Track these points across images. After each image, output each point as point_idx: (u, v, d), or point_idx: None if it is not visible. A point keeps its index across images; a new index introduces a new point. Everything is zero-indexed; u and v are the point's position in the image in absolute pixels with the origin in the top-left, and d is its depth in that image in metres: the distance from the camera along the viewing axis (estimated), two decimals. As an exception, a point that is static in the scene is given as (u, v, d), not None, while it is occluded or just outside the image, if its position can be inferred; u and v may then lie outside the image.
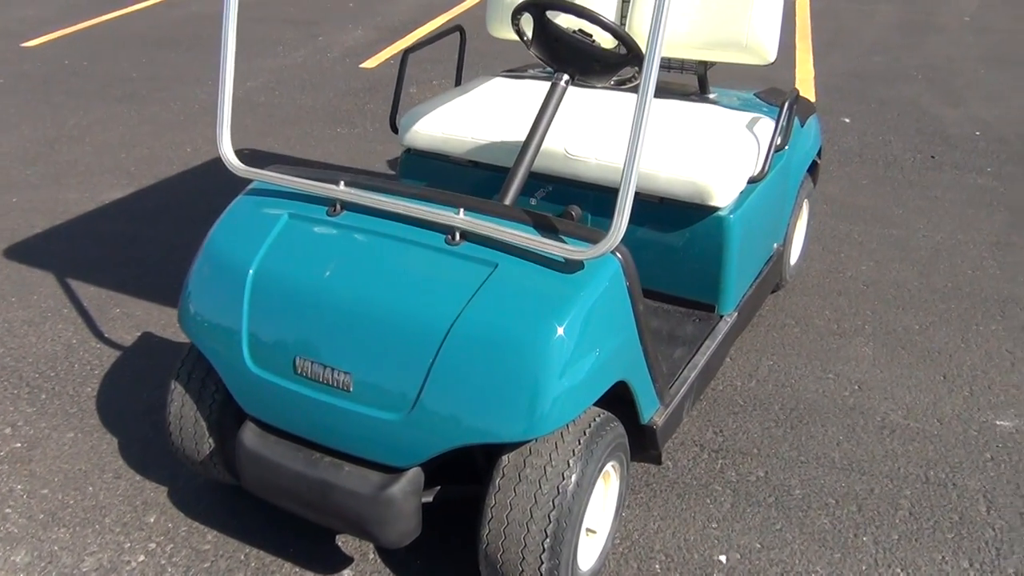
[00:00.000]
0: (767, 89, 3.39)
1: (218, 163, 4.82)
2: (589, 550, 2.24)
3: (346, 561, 2.37)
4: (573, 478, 1.98)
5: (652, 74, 1.81)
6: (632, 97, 3.14)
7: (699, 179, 2.61)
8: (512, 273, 2.01)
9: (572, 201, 2.87)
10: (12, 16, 7.80)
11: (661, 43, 1.80)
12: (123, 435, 2.84)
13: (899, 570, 2.32)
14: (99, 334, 3.37)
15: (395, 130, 3.10)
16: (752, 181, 2.79)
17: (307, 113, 5.59)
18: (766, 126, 2.90)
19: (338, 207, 2.23)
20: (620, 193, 1.89)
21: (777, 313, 3.44)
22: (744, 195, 2.78)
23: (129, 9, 8.07)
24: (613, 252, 2.06)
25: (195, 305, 2.28)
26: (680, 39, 3.07)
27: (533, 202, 2.93)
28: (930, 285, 3.64)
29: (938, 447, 2.75)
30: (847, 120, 5.42)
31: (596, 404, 2.14)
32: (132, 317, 3.46)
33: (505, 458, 2.02)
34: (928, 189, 4.52)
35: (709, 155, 2.68)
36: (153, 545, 2.43)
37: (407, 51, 3.13)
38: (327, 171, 2.33)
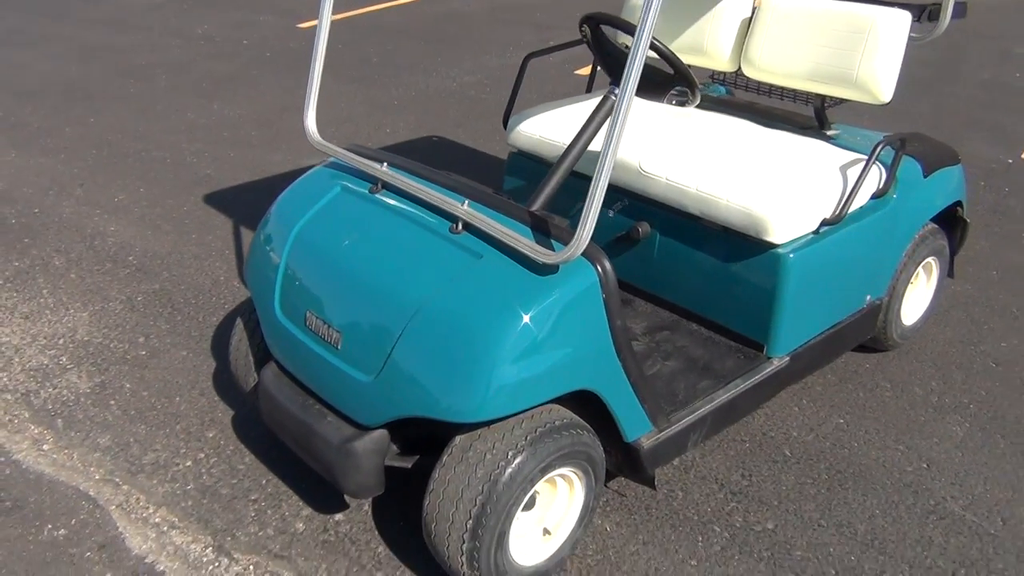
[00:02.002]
0: (905, 133, 3.15)
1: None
2: (540, 549, 2.29)
3: (343, 507, 2.59)
4: (508, 470, 2.05)
5: (633, 76, 1.84)
6: (723, 121, 3.08)
7: (757, 211, 2.53)
8: (492, 266, 2.12)
9: (644, 217, 2.88)
10: (300, 0, 8.86)
11: (644, 44, 1.82)
12: (222, 362, 3.25)
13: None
14: (243, 277, 3.85)
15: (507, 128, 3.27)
16: (827, 223, 2.65)
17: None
18: (859, 169, 2.73)
19: (379, 185, 2.45)
20: (587, 202, 1.93)
21: (875, 374, 3.19)
22: (816, 237, 2.64)
23: (396, 2, 8.86)
24: (594, 265, 2.10)
25: (252, 256, 2.60)
26: (793, 69, 2.96)
27: (611, 214, 2.97)
28: (1078, 378, 3.20)
29: (985, 547, 2.46)
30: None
31: (587, 418, 2.20)
32: (277, 266, 3.92)
33: (458, 438, 2.14)
34: None
35: (778, 188, 2.59)
36: (202, 455, 2.80)
37: (529, 56, 3.29)
38: (388, 154, 2.55)
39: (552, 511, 2.31)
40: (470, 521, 2.05)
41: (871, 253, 2.87)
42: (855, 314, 2.92)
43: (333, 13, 2.70)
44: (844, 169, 2.74)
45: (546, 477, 2.17)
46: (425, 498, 2.15)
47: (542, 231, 2.16)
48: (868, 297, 2.96)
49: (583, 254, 2.09)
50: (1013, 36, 7.80)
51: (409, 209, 2.35)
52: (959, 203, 3.22)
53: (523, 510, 2.23)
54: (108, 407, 3.02)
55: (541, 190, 2.45)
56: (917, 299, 3.29)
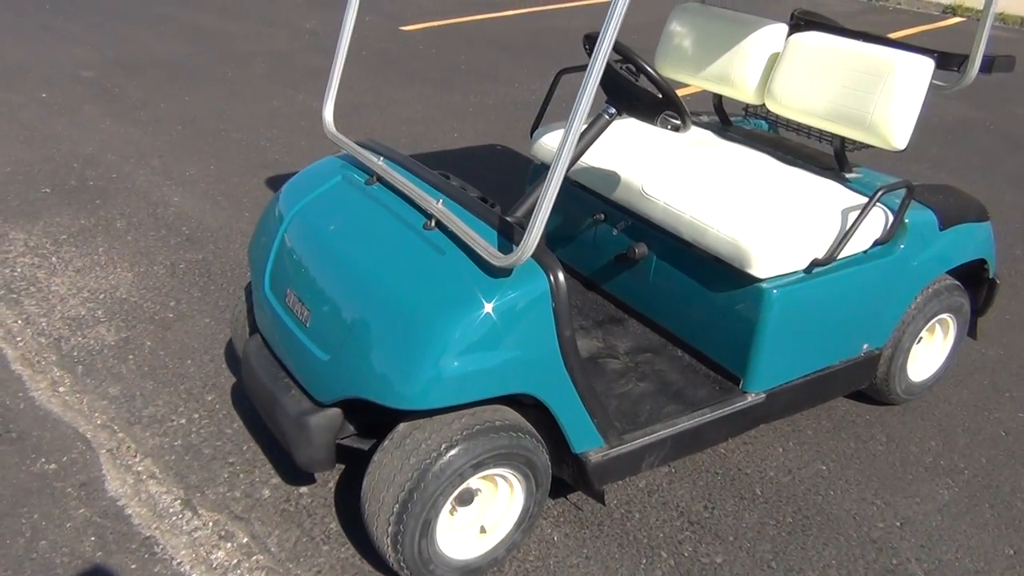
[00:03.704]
0: (932, 184, 3.07)
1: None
2: (474, 545, 2.34)
3: (310, 482, 2.70)
4: (439, 462, 2.12)
5: (590, 86, 1.87)
6: (741, 153, 3.08)
7: (744, 243, 2.53)
8: (452, 263, 2.19)
9: (643, 239, 2.91)
10: (409, 2, 9.16)
11: (608, 47, 1.85)
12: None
13: None
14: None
15: None
16: (819, 264, 2.61)
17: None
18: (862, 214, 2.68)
19: (374, 178, 2.56)
20: (535, 210, 1.99)
21: (872, 426, 3.11)
22: (805, 276, 2.61)
23: (500, 13, 9.06)
24: (547, 273, 2.14)
25: (256, 233, 2.75)
26: (811, 107, 2.93)
27: (614, 233, 3.01)
28: (1094, 459, 3.03)
29: (937, 614, 2.38)
30: None
31: (544, 428, 2.27)
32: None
33: (401, 425, 2.22)
34: None
35: (769, 223, 2.57)
36: (196, 416, 2.97)
37: (561, 72, 3.35)
38: (391, 149, 2.66)
39: (491, 511, 2.36)
40: (397, 506, 2.13)
41: (869, 300, 2.81)
42: (848, 361, 2.85)
43: (438, 19, 2.84)
44: (846, 212, 2.69)
45: (481, 474, 2.22)
46: (364, 478, 2.24)
47: (507, 236, 2.22)
48: (865, 346, 2.89)
49: (539, 263, 2.15)
50: None
51: (395, 203, 2.45)
52: (984, 262, 3.11)
53: (461, 505, 2.30)
54: (126, 361, 3.23)
55: (526, 198, 2.51)
56: (929, 356, 3.18)
